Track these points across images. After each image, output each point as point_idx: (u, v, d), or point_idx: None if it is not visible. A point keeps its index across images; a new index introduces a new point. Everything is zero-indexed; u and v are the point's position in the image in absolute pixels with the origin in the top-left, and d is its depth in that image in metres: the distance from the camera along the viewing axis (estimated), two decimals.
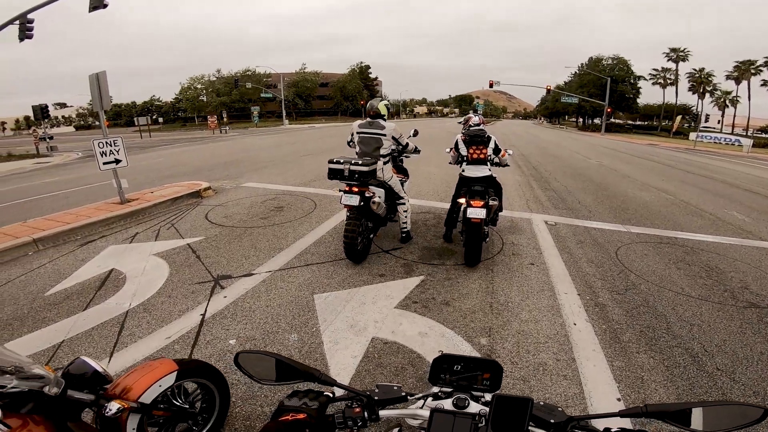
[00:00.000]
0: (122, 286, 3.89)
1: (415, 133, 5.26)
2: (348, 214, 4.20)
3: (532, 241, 5.21)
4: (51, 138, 22.44)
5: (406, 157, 5.15)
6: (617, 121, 58.10)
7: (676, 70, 55.15)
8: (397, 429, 0.99)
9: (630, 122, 61.24)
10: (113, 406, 1.39)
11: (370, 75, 77.69)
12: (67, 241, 5.28)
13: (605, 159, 16.36)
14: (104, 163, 6.45)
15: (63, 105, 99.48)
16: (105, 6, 12.82)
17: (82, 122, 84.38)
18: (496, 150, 4.60)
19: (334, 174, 4.14)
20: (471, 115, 4.99)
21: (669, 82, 56.18)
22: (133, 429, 1.64)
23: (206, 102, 60.90)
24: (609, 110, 45.23)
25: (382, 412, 0.94)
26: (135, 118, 39.90)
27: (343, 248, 4.17)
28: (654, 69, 57.19)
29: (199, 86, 63.18)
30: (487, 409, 0.87)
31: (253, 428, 2.19)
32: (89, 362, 1.55)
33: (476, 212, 3.97)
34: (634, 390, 2.48)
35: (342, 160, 4.09)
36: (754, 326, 3.25)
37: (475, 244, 4.09)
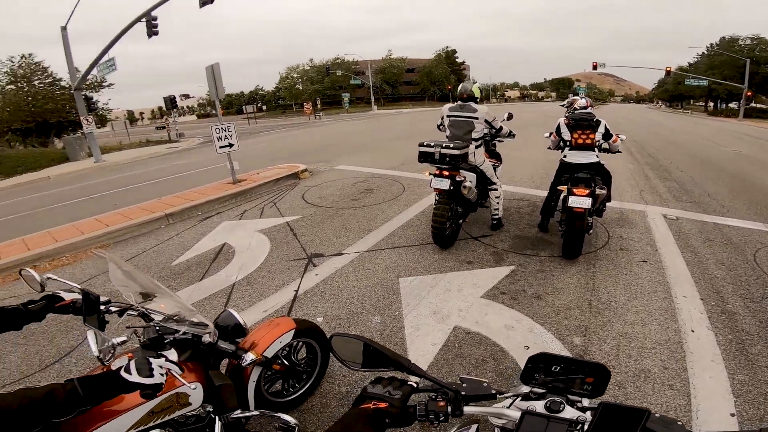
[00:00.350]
0: (231, 259, 4.35)
1: (510, 117, 4.97)
2: (437, 198, 4.15)
3: (646, 236, 4.60)
4: (163, 128, 25.98)
5: (499, 141, 4.90)
6: (760, 105, 48.29)
7: None
8: (475, 426, 0.94)
9: None
10: (249, 357, 1.52)
11: (456, 59, 75.54)
12: (191, 217, 6.09)
13: (743, 147, 13.69)
14: (220, 147, 7.27)
15: (187, 96, 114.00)
16: (212, 1, 14.10)
17: (202, 111, 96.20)
18: (607, 135, 4.11)
19: (424, 157, 4.09)
20: (576, 97, 4.52)
21: None
22: (254, 381, 1.84)
23: (302, 90, 64.92)
24: (749, 93, 37.75)
25: (467, 408, 0.90)
26: (243, 107, 44.20)
27: (431, 232, 4.14)
28: None
29: (295, 75, 67.58)
30: (586, 415, 0.80)
31: (328, 406, 2.27)
32: (235, 315, 1.74)
33: (579, 201, 3.61)
34: (753, 406, 2.18)
35: (433, 143, 4.02)
36: None
37: (575, 236, 3.74)
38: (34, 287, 1.52)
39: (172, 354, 1.32)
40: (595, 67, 37.55)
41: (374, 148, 12.52)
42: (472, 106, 4.22)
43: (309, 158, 10.78)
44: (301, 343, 2.22)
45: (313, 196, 6.74)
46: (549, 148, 4.60)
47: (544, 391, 0.91)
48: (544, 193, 4.74)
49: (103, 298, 1.51)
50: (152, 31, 14.53)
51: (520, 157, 9.44)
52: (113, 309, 1.50)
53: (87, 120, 16.23)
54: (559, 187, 4.09)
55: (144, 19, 14.32)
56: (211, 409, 1.54)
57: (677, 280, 3.53)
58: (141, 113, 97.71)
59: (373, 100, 54.91)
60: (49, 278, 1.53)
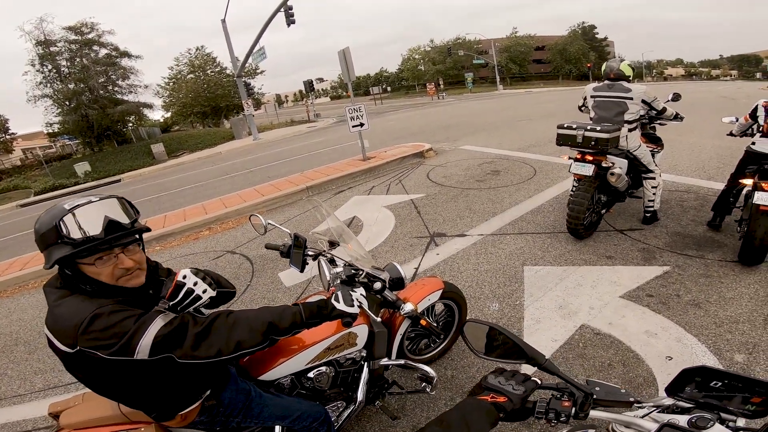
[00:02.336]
0: (360, 232, 4.70)
1: (675, 98, 4.20)
2: (576, 184, 3.80)
3: None
4: (281, 104, 28.48)
5: (660, 124, 4.19)
6: None
7: None
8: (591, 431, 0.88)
9: None
10: (408, 307, 1.65)
11: (596, 35, 66.01)
12: (327, 190, 6.78)
13: None
14: (353, 126, 7.84)
15: (321, 80, 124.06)
16: None
17: (334, 93, 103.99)
18: None
19: (564, 140, 3.75)
20: None
21: None
22: (401, 333, 2.01)
23: (424, 71, 65.07)
24: None
25: (594, 413, 0.85)
26: (370, 88, 46.38)
27: (566, 221, 3.83)
28: None
29: (417, 57, 68.03)
30: None
31: (457, 377, 2.34)
32: (399, 268, 1.92)
33: None
34: None
35: (575, 125, 3.66)
36: None
37: (761, 239, 3.04)
38: (259, 231, 1.94)
39: (362, 291, 1.48)
40: None
41: (501, 128, 11.92)
42: (624, 86, 3.72)
43: (433, 138, 10.85)
44: (442, 305, 2.35)
45: (437, 175, 6.81)
46: (731, 133, 3.76)
47: (691, 406, 0.82)
48: (718, 186, 3.99)
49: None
50: (290, 19, 16.21)
51: (689, 143, 7.88)
52: (310, 253, 1.81)
53: (247, 103, 19.16)
54: (741, 180, 3.33)
55: (282, 9, 15.98)
56: (364, 354, 1.73)
57: None
58: (286, 96, 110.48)
59: (498, 79, 52.07)
60: (269, 224, 1.93)
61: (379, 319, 1.65)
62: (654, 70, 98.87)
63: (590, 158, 3.63)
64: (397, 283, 1.84)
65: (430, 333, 2.29)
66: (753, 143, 3.43)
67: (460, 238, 4.22)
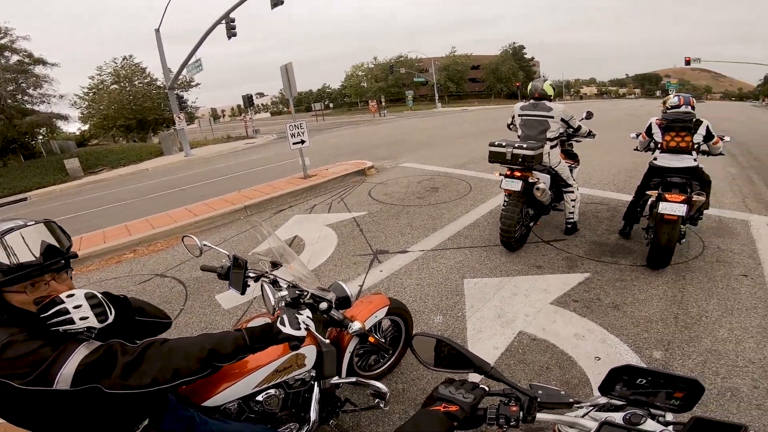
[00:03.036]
0: (301, 251, 4.59)
1: (589, 116, 4.65)
2: (506, 199, 4.04)
3: (748, 247, 4.07)
4: (217, 119, 27.69)
5: (576, 141, 4.61)
6: None
7: None
8: None
9: None
10: (355, 326, 1.65)
11: (524, 55, 72.19)
12: (266, 209, 6.55)
13: None
14: (293, 143, 7.71)
15: (261, 94, 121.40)
16: (282, 2, 14.82)
17: (275, 109, 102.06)
18: (708, 136, 3.66)
19: (495, 157, 3.99)
20: (671, 95, 4.10)
21: None
22: (350, 351, 2.00)
23: (366, 88, 66.25)
24: None
25: (540, 415, 0.89)
26: (312, 105, 46.22)
27: (499, 235, 4.04)
28: None
29: (360, 73, 69.16)
30: (670, 429, 0.78)
31: (408, 390, 2.35)
32: (343, 286, 1.90)
33: (672, 208, 3.29)
34: None
35: (504, 143, 3.91)
36: None
37: (665, 245, 3.42)
38: (194, 252, 1.83)
39: (308, 313, 1.47)
40: (688, 62, 33.60)
41: (439, 145, 12.42)
42: (546, 105, 4.05)
43: (375, 155, 11.00)
44: (388, 321, 2.36)
45: (379, 192, 6.89)
46: (636, 149, 4.24)
47: (623, 403, 0.88)
48: (626, 198, 4.43)
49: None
50: (231, 32, 15.75)
51: (600, 159, 8.78)
52: (251, 275, 1.74)
53: (179, 117, 18.09)
54: (647, 192, 3.75)
55: (223, 21, 15.55)
56: (314, 374, 1.70)
57: None
58: (222, 111, 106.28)
59: (437, 97, 54.42)
60: (205, 245, 1.82)
61: (326, 340, 1.63)
62: (572, 89, 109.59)
63: (518, 174, 3.87)
64: (344, 301, 1.85)
65: (378, 349, 2.30)
66: (655, 158, 3.90)
67: (403, 254, 4.28)
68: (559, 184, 4.28)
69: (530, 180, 3.87)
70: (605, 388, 0.90)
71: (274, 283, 1.71)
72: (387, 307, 2.16)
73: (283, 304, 1.53)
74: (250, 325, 1.43)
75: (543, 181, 3.99)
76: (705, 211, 4.10)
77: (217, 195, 7.61)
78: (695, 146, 3.67)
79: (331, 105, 69.05)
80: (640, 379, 0.86)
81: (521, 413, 0.88)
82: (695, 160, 3.68)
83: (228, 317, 3.40)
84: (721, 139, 3.77)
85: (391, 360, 2.46)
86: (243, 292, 1.73)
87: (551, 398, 0.92)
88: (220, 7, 15.61)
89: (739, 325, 2.79)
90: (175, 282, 4.23)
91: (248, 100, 26.69)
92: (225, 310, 3.49)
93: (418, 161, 9.57)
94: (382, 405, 1.73)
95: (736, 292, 3.23)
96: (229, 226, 5.90)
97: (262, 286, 1.71)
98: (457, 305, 3.24)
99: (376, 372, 2.38)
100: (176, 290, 4.05)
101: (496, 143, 3.97)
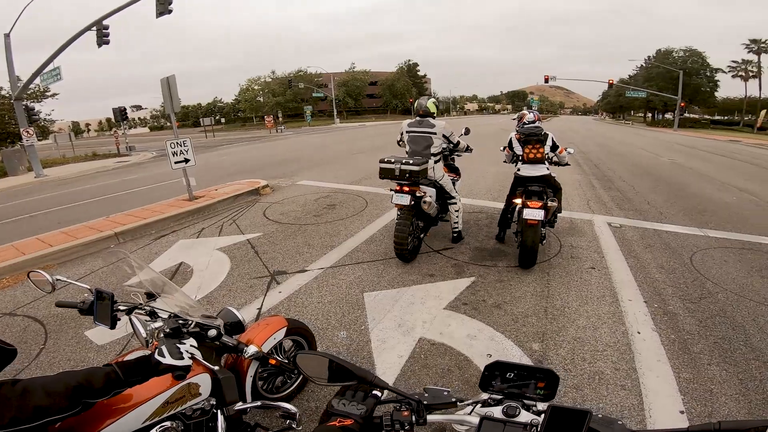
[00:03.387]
0: (189, 278, 4.20)
1: (467, 132, 5.11)
2: (399, 213, 4.21)
3: (594, 243, 4.91)
4: (80, 134, 24.58)
5: (457, 155, 5.05)
6: (692, 115, 52.98)
7: (759, 62, 49.03)
8: None
9: (707, 117, 55.46)
10: (251, 350, 1.60)
11: (418, 72, 77.31)
12: (144, 235, 5.80)
13: (678, 156, 14.95)
14: (175, 162, 7.00)
15: (138, 107, 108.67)
16: (170, 12, 13.67)
17: (155, 123, 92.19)
18: (554, 147, 4.36)
19: (385, 173, 4.16)
20: (525, 111, 4.74)
21: (751, 74, 49.95)
22: (251, 376, 1.93)
23: (263, 102, 63.84)
24: (683, 105, 41.25)
25: (430, 417, 0.94)
26: (201, 119, 42.79)
27: (394, 248, 4.20)
28: (733, 61, 51.24)
29: (256, 87, 66.40)
30: (540, 418, 0.84)
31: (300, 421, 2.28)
32: (234, 311, 1.82)
33: (533, 213, 3.81)
34: (700, 403, 2.32)
35: (393, 159, 4.10)
36: None
37: (530, 246, 3.93)
38: (45, 289, 1.63)
39: (192, 342, 1.42)
40: (546, 80, 39.67)
41: (337, 162, 12.53)
42: (430, 122, 4.33)
43: (270, 173, 10.62)
44: (290, 342, 2.32)
45: (274, 212, 6.64)
46: (504, 161, 4.81)
47: (501, 397, 0.95)
48: (501, 206, 4.93)
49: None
50: (103, 40, 13.91)
51: (479, 170, 9.79)
52: (122, 308, 1.61)
53: (27, 132, 15.10)
54: (514, 200, 4.27)
55: (95, 28, 13.66)
56: (214, 402, 1.62)
57: (622, 285, 3.78)
58: (87, 125, 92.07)
59: (335, 113, 54.88)
60: (58, 279, 1.63)
61: (216, 367, 1.56)
62: (458, 105, 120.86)
63: (407, 189, 4.08)
64: (236, 326, 1.79)
65: (283, 370, 2.25)
66: (518, 169, 4.47)
67: (302, 273, 4.17)
68: (444, 197, 4.61)
69: (418, 194, 4.10)
70: (484, 384, 0.96)
71: (152, 314, 1.62)
72: (285, 328, 2.14)
73: (162, 335, 1.46)
74: (126, 358, 1.37)
75: (430, 194, 4.26)
76: (559, 215, 4.82)
77: (81, 221, 6.49)
78: (547, 156, 4.32)
79: (222, 120, 64.69)
80: (509, 374, 0.94)
81: (413, 417, 0.91)
82: (548, 168, 4.33)
83: (103, 353, 3.01)
84: (565, 150, 4.49)
85: (299, 380, 2.42)
86: (113, 326, 1.61)
87: (437, 399, 0.96)
88: (92, 12, 13.59)
89: (594, 313, 3.29)
90: (30, 321, 3.52)
91: (121, 112, 23.56)
92: (99, 346, 3.09)
93: (315, 179, 9.51)
94: (294, 425, 1.69)
95: (587, 283, 3.84)
96: (96, 257, 5.09)
97: (130, 319, 1.61)
98: (359, 319, 3.27)
99: (284, 393, 2.33)
100: (32, 329, 3.39)
101: (386, 159, 4.14)
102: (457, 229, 4.80)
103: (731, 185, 8.90)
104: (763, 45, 47.50)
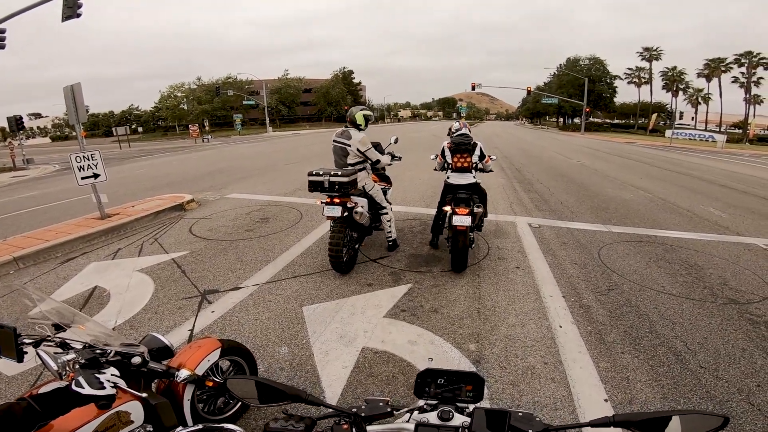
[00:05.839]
0: (107, 303, 3.84)
1: (396, 141, 5.17)
2: (332, 225, 4.19)
3: (517, 244, 5.29)
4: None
5: (388, 165, 5.05)
6: (596, 120, 59.53)
7: (650, 68, 56.30)
8: None
9: (608, 121, 62.66)
10: (183, 374, 1.60)
11: (353, 80, 77.69)
12: (48, 259, 5.15)
13: (586, 159, 16.73)
14: (82, 178, 6.31)
15: (38, 115, 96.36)
16: (78, 16, 12.52)
17: (58, 133, 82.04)
18: (482, 156, 4.64)
19: (314, 186, 4.12)
20: (454, 122, 5.00)
21: (643, 80, 57.27)
22: (188, 399, 1.86)
23: (187, 110, 59.99)
24: (587, 110, 46.30)
25: (370, 428, 0.96)
26: (113, 129, 38.92)
27: (329, 260, 4.17)
28: (629, 68, 58.44)
29: (179, 94, 62.17)
30: (470, 420, 0.89)
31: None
32: (160, 337, 1.77)
33: (461, 220, 4.01)
34: (620, 390, 2.52)
35: (321, 172, 4.07)
36: (734, 322, 3.34)
37: (461, 251, 4.14)
38: None
39: (113, 371, 1.39)
40: (473, 87, 42.19)
41: (269, 173, 12.15)
42: (349, 133, 4.36)
43: (196, 186, 10.01)
44: (228, 362, 2.25)
45: (202, 228, 6.25)
46: (435, 169, 5.01)
47: (436, 402, 1.00)
48: (434, 212, 5.12)
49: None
50: None
51: (411, 178, 10.10)
52: (27, 341, 1.51)
53: None
54: (444, 207, 4.47)
55: None
56: (151, 429, 1.57)
57: (543, 282, 4.12)
58: None
59: (268, 121, 53.20)
60: None
61: (145, 393, 1.52)
62: (392, 112, 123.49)
63: (338, 201, 4.07)
64: (163, 351, 1.75)
65: (223, 391, 2.17)
66: (448, 177, 4.69)
67: (235, 291, 3.98)
68: (375, 206, 4.66)
69: (349, 205, 4.11)
70: (418, 391, 1.01)
71: (63, 346, 1.53)
72: (220, 349, 2.08)
73: (77, 366, 1.40)
74: (42, 390, 1.36)
75: (361, 204, 4.30)
76: (485, 219, 5.13)
77: None
78: (474, 165, 4.59)
79: (140, 129, 59.45)
80: (440, 379, 0.99)
81: (353, 429, 0.93)
82: (474, 177, 4.60)
83: (15, 384, 2.71)
84: (490, 158, 4.82)
85: (240, 402, 2.32)
86: (20, 360, 1.51)
87: (373, 411, 0.98)
88: None
89: (521, 310, 3.53)
90: None
91: (17, 121, 20.65)
92: (9, 377, 2.77)
93: (247, 191, 9.14)
94: None
95: (513, 282, 4.12)
96: None
97: (38, 353, 1.51)
98: (299, 333, 3.21)
99: (228, 414, 2.25)
100: None
101: (314, 172, 4.11)
102: (391, 238, 4.89)
103: (629, 184, 10.17)
104: (654, 53, 54.95)
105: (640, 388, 2.55)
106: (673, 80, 54.72)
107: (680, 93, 55.51)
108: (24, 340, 1.52)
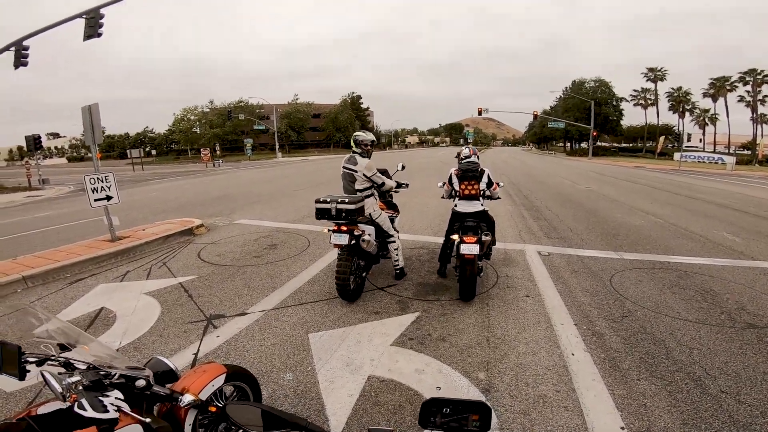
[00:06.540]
0: (112, 324, 3.85)
1: (403, 168, 5.23)
2: (339, 253, 4.15)
3: (526, 272, 5.22)
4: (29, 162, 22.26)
5: (395, 192, 5.09)
6: (603, 144, 59.52)
7: (656, 89, 56.16)
8: None
9: (615, 145, 62.54)
10: (187, 398, 1.54)
11: (361, 105, 78.74)
12: (57, 279, 5.20)
13: (594, 184, 16.68)
14: (95, 200, 6.44)
15: (56, 135, 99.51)
16: (99, 35, 13.03)
17: (74, 153, 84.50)
18: (489, 183, 4.62)
19: (321, 213, 4.10)
20: (463, 148, 5.02)
21: (650, 102, 57.09)
22: (189, 425, 1.82)
23: (200, 134, 61.13)
24: (594, 134, 46.36)
25: None
26: (128, 151, 39.93)
27: (336, 287, 4.14)
28: (634, 90, 58.40)
29: (192, 117, 63.19)
30: None
31: None
32: (165, 360, 1.76)
33: (469, 248, 3.98)
34: (637, 418, 2.45)
35: (329, 199, 4.06)
36: (754, 346, 3.26)
37: (469, 280, 4.08)
38: None
39: (117, 394, 1.35)
40: (480, 113, 42.71)
41: (278, 199, 12.28)
42: (354, 159, 4.41)
43: (206, 211, 10.14)
44: (231, 387, 2.22)
45: (210, 254, 6.28)
46: (443, 197, 5.01)
47: None
48: (441, 240, 5.09)
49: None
50: (21, 61, 12.87)
51: (419, 205, 10.12)
52: (31, 359, 1.49)
53: None
54: (451, 236, 4.43)
55: (13, 48, 12.53)
56: None
57: (554, 310, 4.04)
58: None
59: (277, 146, 54.04)
60: None
61: (148, 418, 1.47)
62: (399, 138, 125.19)
63: (345, 228, 4.04)
64: (168, 375, 1.73)
65: (225, 417, 2.10)
66: (456, 205, 4.68)
67: (241, 317, 3.96)
68: (382, 234, 4.64)
69: (356, 233, 4.08)
70: (423, 421, 0.98)
71: (68, 365, 1.51)
72: (225, 375, 2.06)
73: (81, 388, 1.38)
74: (41, 410, 1.34)
75: (368, 232, 4.28)
76: (494, 247, 5.08)
77: None
78: (482, 192, 4.58)
79: (153, 152, 60.83)
80: (445, 408, 0.97)
81: None
82: (482, 204, 4.59)
83: (14, 401, 2.70)
84: (498, 185, 4.80)
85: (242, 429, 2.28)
86: (22, 378, 1.49)
87: None
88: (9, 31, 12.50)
89: (532, 338, 3.46)
90: None
91: (34, 141, 21.27)
92: (8, 393, 2.77)
93: (255, 217, 9.22)
94: None
95: (523, 311, 4.05)
96: (1, 302, 4.48)
97: (42, 373, 1.48)
98: (305, 360, 3.16)
99: None
100: None
101: (321, 199, 4.11)
102: (398, 266, 4.83)
103: (638, 209, 10.08)
104: (659, 72, 55.10)
105: (659, 415, 2.47)
106: (679, 101, 54.50)
107: (687, 114, 55.35)
108: (28, 359, 1.51)
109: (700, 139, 56.44)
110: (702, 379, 2.82)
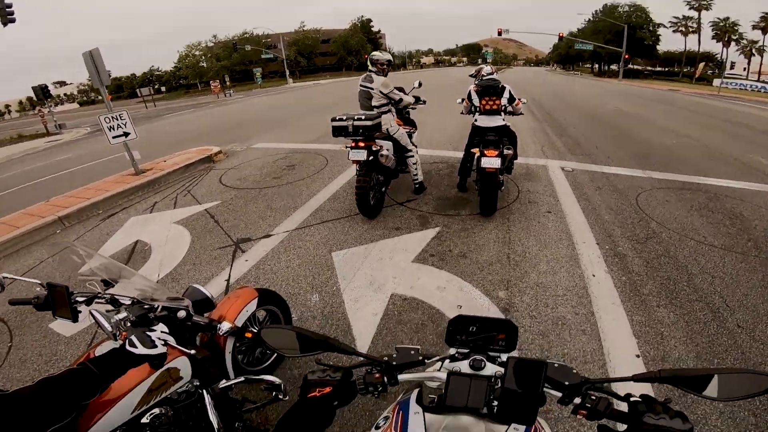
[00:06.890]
0: (149, 256, 3.98)
1: (419, 85, 5.09)
2: (357, 169, 4.18)
3: (549, 188, 5.11)
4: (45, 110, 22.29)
5: (412, 108, 5.01)
6: (636, 67, 55.31)
7: (699, 18, 51.48)
8: (417, 390, 1.00)
9: (649, 68, 58.00)
10: (225, 326, 1.58)
11: (372, 28, 75.37)
12: (91, 216, 5.40)
13: (624, 104, 15.61)
14: (114, 137, 6.47)
15: (63, 83, 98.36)
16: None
17: (85, 98, 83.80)
18: (511, 99, 4.42)
19: (338, 131, 4.07)
20: (482, 65, 4.77)
21: (691, 30, 52.54)
22: (229, 352, 1.90)
23: (207, 68, 60.06)
24: (626, 56, 42.75)
25: (401, 376, 0.96)
26: (137, 89, 39.18)
27: (356, 203, 4.19)
28: (674, 17, 53.54)
29: (197, 53, 62.32)
30: (503, 370, 0.87)
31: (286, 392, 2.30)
32: (201, 289, 1.78)
33: (490, 161, 3.88)
34: (653, 347, 2.41)
35: (345, 117, 4.01)
36: None
37: (490, 194, 4.04)
38: None
39: (163, 327, 1.38)
40: (500, 33, 39.52)
41: (292, 122, 12.06)
42: (371, 77, 4.37)
43: (223, 139, 10.08)
44: (264, 312, 2.30)
45: (231, 178, 6.36)
46: (462, 113, 4.82)
47: (467, 350, 0.98)
48: (461, 155, 4.97)
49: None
50: (7, 18, 12.55)
51: (437, 122, 9.76)
52: (80, 299, 1.53)
53: None
54: (472, 150, 4.33)
55: None
56: (198, 383, 1.61)
57: (576, 227, 3.98)
58: (7, 106, 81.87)
59: (288, 73, 52.62)
60: (5, 277, 1.58)
61: (192, 349, 1.54)
62: (414, 59, 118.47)
63: (363, 144, 4.02)
64: (205, 304, 1.76)
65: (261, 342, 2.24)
66: (476, 120, 4.52)
67: (267, 239, 4.08)
68: (401, 149, 4.61)
69: (374, 148, 4.06)
70: (450, 339, 0.99)
71: (114, 302, 1.54)
72: (257, 299, 2.11)
73: (128, 324, 1.39)
74: (98, 351, 1.37)
75: (386, 147, 4.26)
76: (515, 161, 4.95)
77: (15, 210, 5.92)
78: (503, 108, 4.37)
79: (163, 89, 59.84)
80: (471, 327, 0.97)
81: (384, 378, 0.94)
82: (503, 119, 4.40)
83: (74, 345, 2.85)
84: (521, 101, 4.57)
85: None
86: (75, 320, 1.53)
87: (404, 359, 0.97)
88: None
89: (553, 257, 3.43)
90: None
91: (42, 90, 21.07)
92: (68, 338, 2.91)
93: (272, 140, 9.16)
94: (281, 396, 1.69)
95: (545, 227, 4.01)
96: (42, 244, 4.72)
97: (91, 312, 1.47)
98: (330, 280, 3.25)
99: (265, 365, 2.32)
100: None
101: (337, 118, 4.05)
102: (417, 180, 4.86)
103: (672, 130, 9.47)
104: (703, 2, 49.64)
105: (674, 345, 2.42)
106: (725, 31, 49.67)
107: (732, 44, 50.54)
108: (77, 299, 1.54)
109: (744, 68, 51.06)
110: (720, 311, 2.72)
